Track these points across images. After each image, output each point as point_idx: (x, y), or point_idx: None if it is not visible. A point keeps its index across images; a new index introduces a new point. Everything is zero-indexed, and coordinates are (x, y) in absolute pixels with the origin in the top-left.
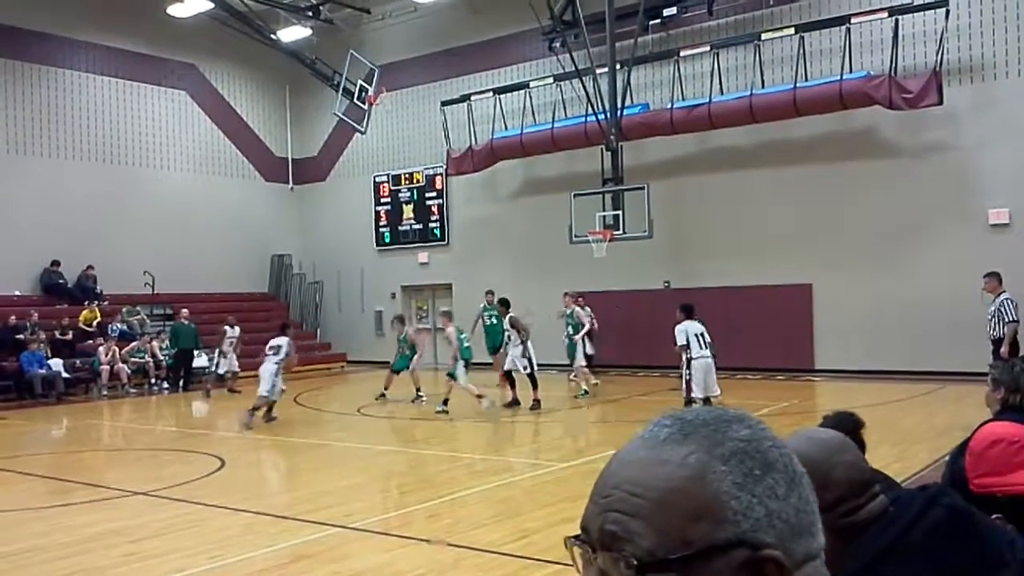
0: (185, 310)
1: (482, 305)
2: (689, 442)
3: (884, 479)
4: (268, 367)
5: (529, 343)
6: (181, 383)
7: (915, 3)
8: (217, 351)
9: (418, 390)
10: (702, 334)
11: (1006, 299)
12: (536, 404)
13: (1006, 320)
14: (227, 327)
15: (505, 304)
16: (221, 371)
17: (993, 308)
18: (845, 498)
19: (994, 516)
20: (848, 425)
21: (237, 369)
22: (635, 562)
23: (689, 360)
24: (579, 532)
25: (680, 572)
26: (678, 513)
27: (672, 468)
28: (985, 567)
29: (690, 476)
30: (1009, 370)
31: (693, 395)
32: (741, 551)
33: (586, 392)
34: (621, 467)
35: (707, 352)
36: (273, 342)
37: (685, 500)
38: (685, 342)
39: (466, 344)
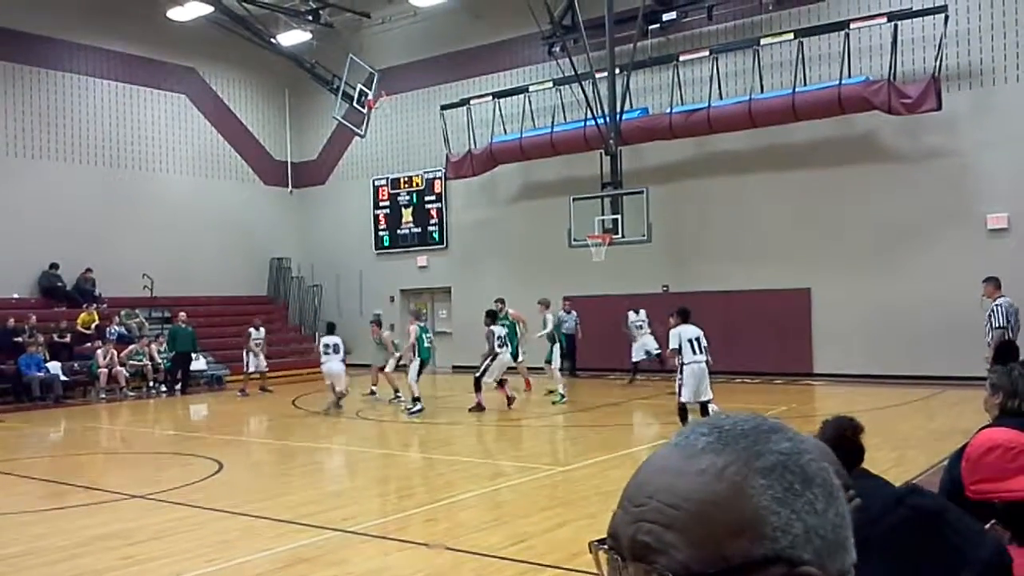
0: (183, 313)
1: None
2: (727, 453)
3: (876, 482)
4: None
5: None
6: (179, 386)
7: (914, 8)
8: (245, 351)
9: (396, 391)
10: (697, 339)
11: (998, 304)
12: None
13: (993, 325)
14: (252, 329)
15: (492, 315)
16: (251, 369)
17: (988, 313)
18: None
19: (990, 523)
20: (847, 430)
21: (265, 368)
22: (670, 575)
23: (682, 365)
24: (605, 537)
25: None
26: (716, 527)
27: (710, 479)
28: (942, 567)
29: (729, 489)
30: (1007, 375)
31: (682, 399)
32: (779, 568)
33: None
34: (656, 475)
35: (701, 357)
36: (328, 340)
37: (723, 514)
38: (678, 346)
39: (426, 344)
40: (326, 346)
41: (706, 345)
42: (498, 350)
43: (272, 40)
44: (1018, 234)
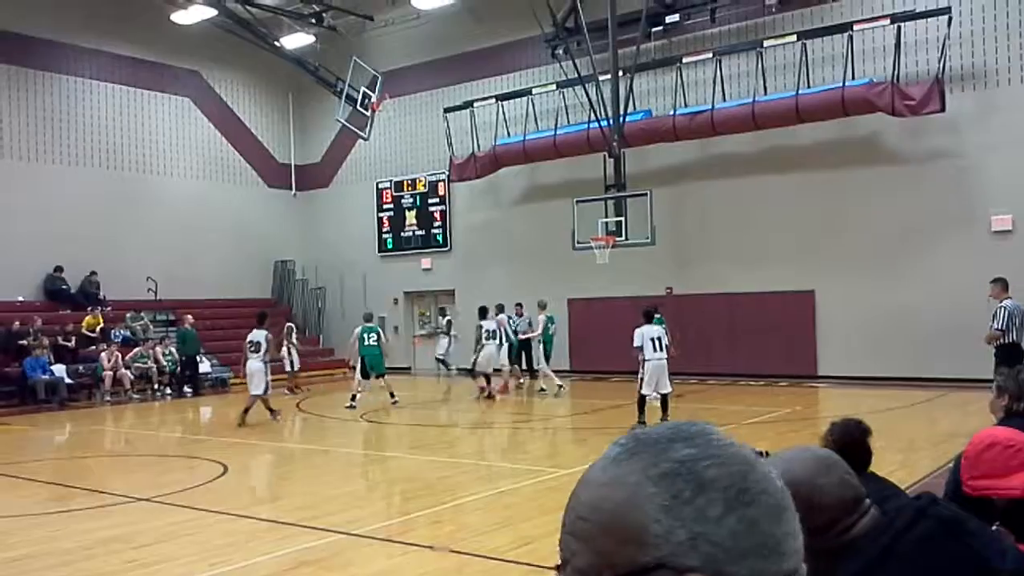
0: (189, 316)
1: (507, 316)
2: (632, 462)
3: (884, 486)
4: (255, 364)
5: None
6: (187, 388)
7: (917, 10)
8: (286, 348)
9: (391, 394)
10: (658, 338)
11: (1003, 306)
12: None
13: (992, 325)
14: (290, 324)
15: (482, 312)
16: (295, 368)
17: (993, 314)
18: (838, 518)
19: (993, 526)
20: (855, 433)
21: (299, 367)
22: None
23: (643, 361)
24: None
25: None
26: (612, 536)
27: (610, 490)
28: (968, 574)
29: (624, 498)
30: (1014, 377)
31: (643, 391)
32: (663, 573)
33: (543, 390)
34: (579, 488)
35: (661, 355)
36: (252, 337)
37: (618, 523)
38: (639, 344)
39: (368, 343)
40: (248, 342)
41: (667, 344)
42: (484, 342)
43: (276, 43)
44: (1022, 236)
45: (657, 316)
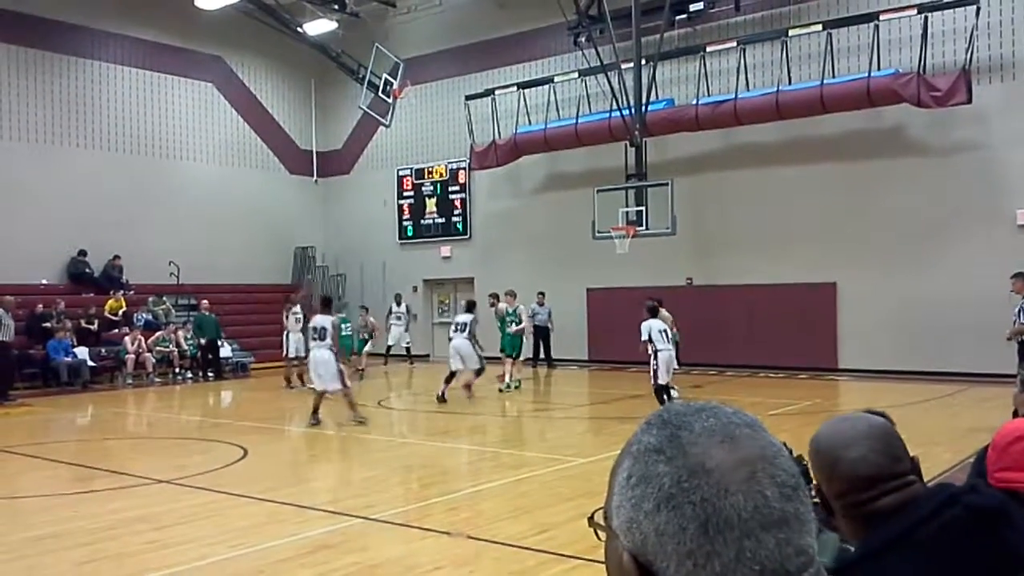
0: (205, 301)
1: (513, 306)
2: (639, 431)
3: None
4: (322, 354)
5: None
6: (210, 372)
7: (945, 0)
8: (365, 332)
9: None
10: (664, 330)
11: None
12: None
13: (1017, 319)
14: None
15: (471, 305)
16: (392, 342)
17: (1016, 309)
18: (846, 492)
19: None
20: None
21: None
22: (594, 522)
23: (655, 352)
24: None
25: (612, 540)
26: (608, 487)
27: (623, 450)
28: (997, 570)
29: (617, 462)
30: None
31: (659, 381)
32: (619, 542)
33: (517, 385)
34: None
35: (669, 346)
36: (316, 323)
37: (611, 478)
38: (648, 338)
39: (343, 333)
40: (456, 324)
41: (673, 334)
42: (452, 335)
43: (299, 29)
44: None
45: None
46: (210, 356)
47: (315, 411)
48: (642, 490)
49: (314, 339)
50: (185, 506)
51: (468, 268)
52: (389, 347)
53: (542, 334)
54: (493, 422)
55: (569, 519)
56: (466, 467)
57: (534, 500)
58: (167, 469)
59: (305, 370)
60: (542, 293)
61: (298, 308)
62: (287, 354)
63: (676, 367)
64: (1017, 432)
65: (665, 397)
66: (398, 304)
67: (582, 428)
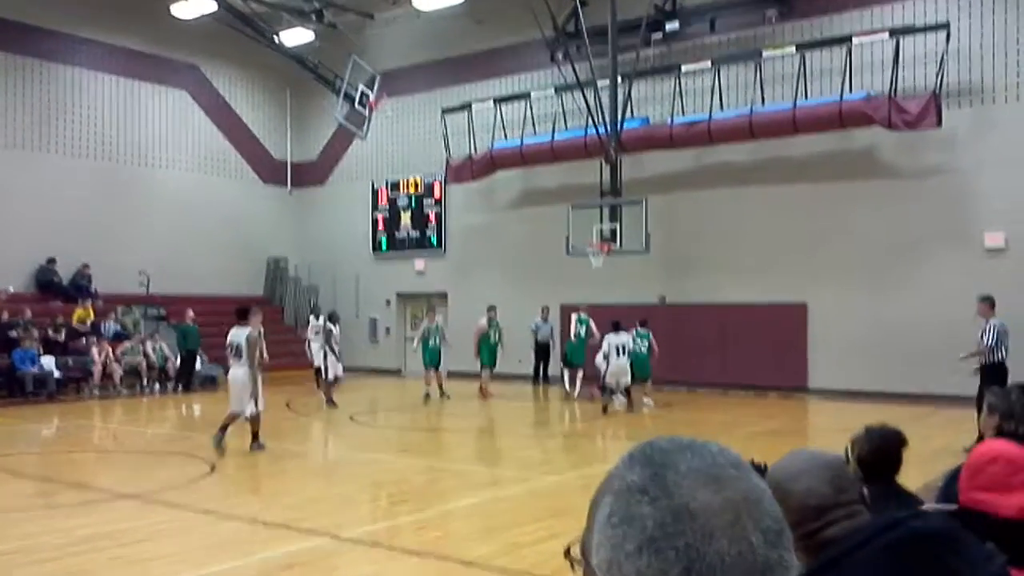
0: (190, 311)
1: (485, 320)
2: (620, 466)
3: (905, 499)
4: (237, 372)
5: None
6: (180, 385)
7: (916, 25)
8: (324, 349)
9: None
10: (623, 345)
11: (991, 324)
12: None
13: (981, 341)
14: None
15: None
16: (334, 376)
17: (980, 332)
18: (798, 523)
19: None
20: (894, 442)
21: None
22: (571, 556)
23: (607, 362)
24: None
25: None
26: (586, 526)
27: (602, 485)
28: None
29: (597, 497)
30: (1006, 397)
31: (607, 383)
32: None
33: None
34: None
35: (623, 360)
36: (232, 338)
37: (590, 514)
38: (606, 350)
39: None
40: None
41: (630, 350)
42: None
43: (275, 39)
44: (1015, 253)
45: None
46: (187, 369)
47: (223, 428)
48: (624, 530)
49: (232, 356)
50: (150, 523)
51: (442, 282)
52: (316, 368)
53: (543, 350)
54: (464, 438)
55: (539, 539)
56: (436, 485)
57: (505, 519)
58: (133, 484)
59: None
60: (546, 307)
61: (317, 319)
62: (320, 370)
63: (628, 380)
64: (992, 453)
65: (609, 394)
66: (316, 317)
67: (555, 445)
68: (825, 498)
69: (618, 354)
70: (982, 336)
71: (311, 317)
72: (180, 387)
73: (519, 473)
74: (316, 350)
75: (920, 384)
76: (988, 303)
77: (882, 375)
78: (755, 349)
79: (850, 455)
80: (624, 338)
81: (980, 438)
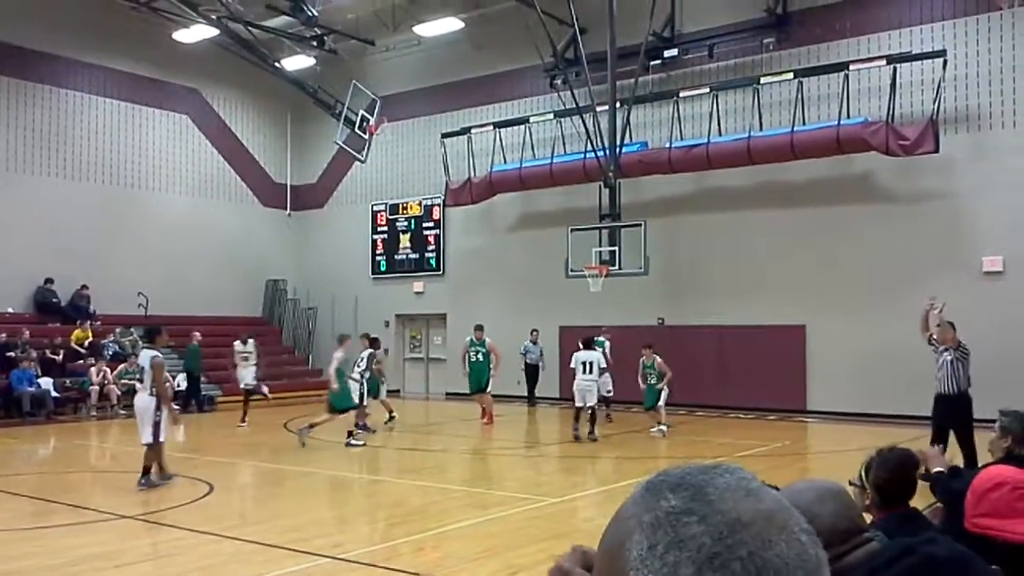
0: (197, 333)
1: (469, 339)
2: (639, 503)
3: (921, 524)
4: (142, 400)
5: None
6: (176, 406)
7: (913, 52)
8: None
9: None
10: (590, 363)
11: (955, 348)
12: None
13: (948, 372)
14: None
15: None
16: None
17: (940, 360)
18: (829, 544)
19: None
20: (910, 466)
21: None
22: None
23: (575, 379)
24: None
25: None
26: (604, 572)
27: (615, 527)
28: None
29: (617, 541)
30: (1019, 420)
31: (576, 404)
32: None
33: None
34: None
35: (590, 376)
36: (140, 360)
37: (609, 560)
38: (574, 366)
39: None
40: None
41: (602, 367)
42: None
43: (276, 64)
44: (1013, 277)
45: (599, 339)
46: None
47: (152, 470)
48: (675, 556)
49: (138, 381)
50: (148, 543)
51: (441, 304)
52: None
53: (532, 372)
54: (463, 460)
55: (538, 561)
56: (435, 506)
57: (503, 541)
58: (130, 504)
59: (364, 413)
60: (535, 330)
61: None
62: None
63: (593, 400)
64: (997, 479)
65: (584, 415)
66: (244, 344)
67: (552, 467)
68: (851, 521)
69: (585, 371)
70: (944, 366)
71: (237, 343)
72: (177, 407)
73: (517, 494)
74: (354, 386)
75: (918, 407)
76: (952, 328)
77: (880, 398)
78: (754, 371)
79: (865, 480)
80: (593, 355)
81: (966, 461)
